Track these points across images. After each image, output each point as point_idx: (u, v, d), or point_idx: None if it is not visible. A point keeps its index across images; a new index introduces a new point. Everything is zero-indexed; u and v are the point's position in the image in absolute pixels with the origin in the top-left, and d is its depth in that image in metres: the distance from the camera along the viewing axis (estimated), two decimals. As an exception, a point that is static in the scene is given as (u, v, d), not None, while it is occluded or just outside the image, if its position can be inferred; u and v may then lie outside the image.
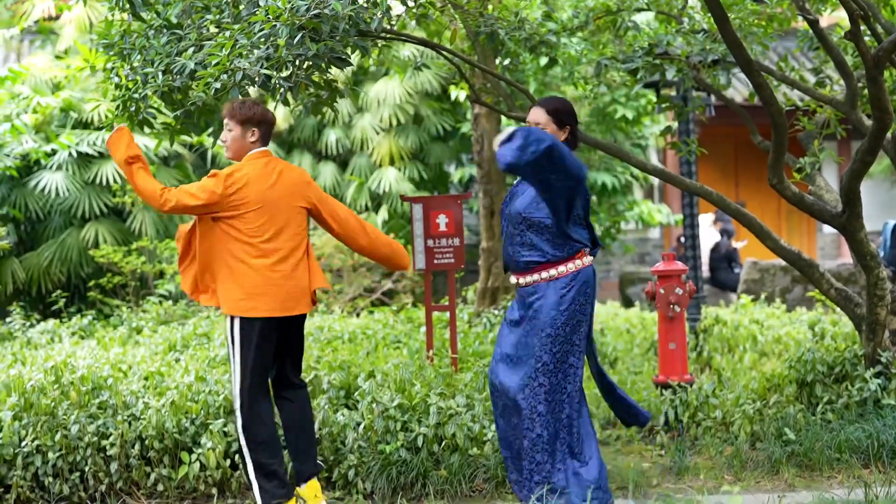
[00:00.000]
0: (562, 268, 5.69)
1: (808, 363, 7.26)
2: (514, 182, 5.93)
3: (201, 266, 5.82)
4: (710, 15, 7.44)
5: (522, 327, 5.75)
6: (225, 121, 5.85)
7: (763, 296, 13.20)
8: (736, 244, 16.80)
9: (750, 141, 8.10)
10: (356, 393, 6.70)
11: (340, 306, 12.16)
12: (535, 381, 5.65)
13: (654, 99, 11.36)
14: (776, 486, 6.28)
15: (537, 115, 5.80)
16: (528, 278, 5.75)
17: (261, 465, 5.78)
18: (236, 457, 6.37)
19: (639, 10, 7.73)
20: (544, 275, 5.71)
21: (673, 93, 9.42)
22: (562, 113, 5.80)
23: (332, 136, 14.78)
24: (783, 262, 12.91)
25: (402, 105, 14.61)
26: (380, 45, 6.80)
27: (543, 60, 11.41)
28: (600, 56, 7.91)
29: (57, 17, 15.73)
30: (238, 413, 5.78)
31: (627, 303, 15.53)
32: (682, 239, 15.86)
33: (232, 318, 5.75)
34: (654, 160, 17.47)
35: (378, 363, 7.49)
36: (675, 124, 9.64)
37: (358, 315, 12.08)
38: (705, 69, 7.56)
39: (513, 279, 5.85)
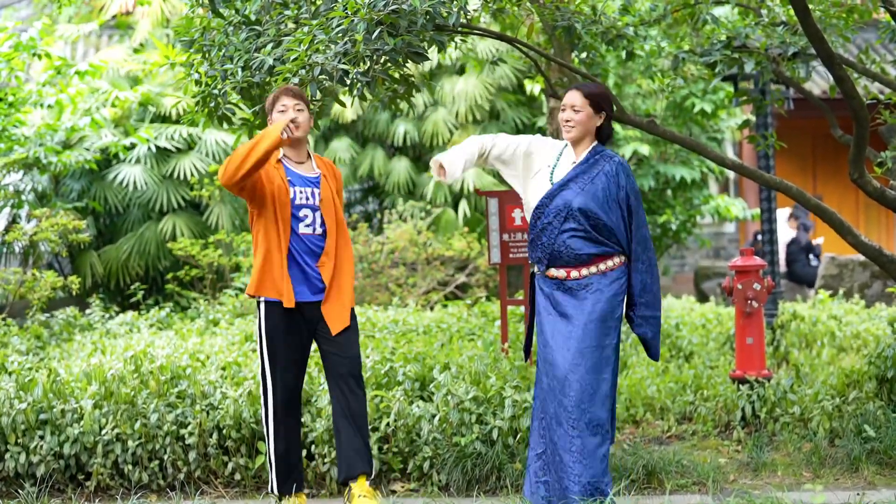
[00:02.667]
0: (616, 259, 5.71)
1: (889, 359, 7.15)
2: (564, 175, 5.80)
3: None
4: (789, 7, 7.35)
5: (577, 319, 5.67)
6: (295, 101, 5.84)
7: (841, 291, 13.03)
8: (815, 241, 16.57)
9: (828, 134, 8.00)
10: (431, 385, 6.72)
11: (414, 300, 12.19)
12: (607, 368, 5.65)
13: (732, 92, 11.24)
14: (856, 484, 6.21)
15: (573, 98, 5.77)
16: (585, 271, 5.69)
17: None
18: (312, 447, 6.43)
19: (718, 2, 7.66)
20: (601, 266, 5.68)
21: (751, 86, 9.32)
22: (598, 97, 5.77)
23: (401, 128, 14.71)
24: (862, 258, 12.73)
25: (479, 101, 14.53)
26: (456, 39, 6.80)
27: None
28: (678, 49, 7.86)
29: (130, 14, 15.91)
30: None
31: (702, 297, 15.40)
32: (760, 236, 15.68)
33: None
34: (730, 154, 17.30)
35: (453, 355, 7.50)
36: (753, 118, 9.54)
37: (432, 308, 12.10)
38: (785, 62, 7.48)
39: (557, 272, 5.72)
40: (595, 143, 5.81)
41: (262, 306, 5.82)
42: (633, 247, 5.72)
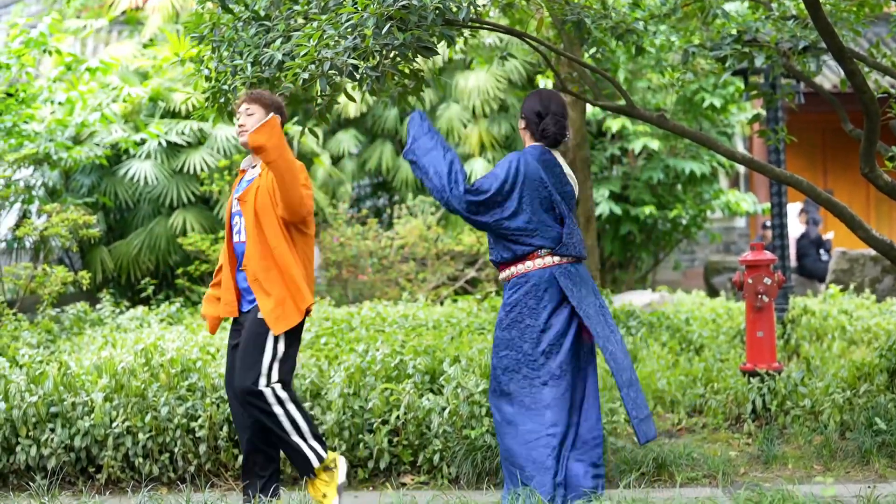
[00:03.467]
0: (512, 269, 5.65)
1: (900, 352, 7.16)
2: None
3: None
4: (800, 1, 7.34)
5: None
6: (246, 105, 5.74)
7: (852, 286, 13.00)
8: (826, 236, 16.55)
9: (838, 128, 7.98)
10: (441, 378, 6.74)
11: (424, 294, 12.20)
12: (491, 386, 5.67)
13: (742, 87, 11.22)
14: (866, 477, 6.21)
15: None
16: (501, 276, 5.79)
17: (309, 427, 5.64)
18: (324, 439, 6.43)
19: (728, -4, 7.66)
20: (502, 275, 5.73)
21: (761, 80, 9.31)
22: (524, 103, 5.91)
23: (412, 127, 14.65)
24: (873, 252, 12.72)
25: (492, 94, 14.51)
26: (465, 34, 6.80)
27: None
28: (688, 44, 7.85)
29: (140, 9, 15.93)
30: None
31: (713, 292, 15.39)
32: (767, 223, 15.65)
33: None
34: (740, 148, 17.28)
35: (463, 348, 7.52)
36: (764, 112, 9.52)
37: (442, 303, 12.11)
38: (795, 56, 7.46)
39: None
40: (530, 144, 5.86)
41: None
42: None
